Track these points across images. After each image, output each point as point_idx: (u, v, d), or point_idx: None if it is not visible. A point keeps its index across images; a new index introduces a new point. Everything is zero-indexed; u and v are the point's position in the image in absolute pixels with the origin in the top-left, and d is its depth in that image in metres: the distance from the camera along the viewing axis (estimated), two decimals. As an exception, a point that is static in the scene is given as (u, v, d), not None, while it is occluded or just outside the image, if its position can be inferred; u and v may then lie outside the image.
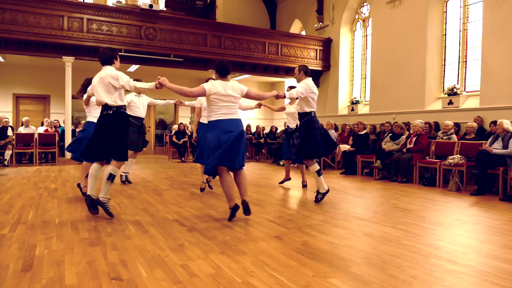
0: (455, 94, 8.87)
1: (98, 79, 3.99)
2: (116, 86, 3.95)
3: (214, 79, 4.18)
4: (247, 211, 4.02)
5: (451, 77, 9.44)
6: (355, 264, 2.73)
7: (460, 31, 9.21)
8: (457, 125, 8.26)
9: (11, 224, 3.79)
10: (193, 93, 3.92)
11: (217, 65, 4.05)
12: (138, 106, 6.52)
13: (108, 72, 3.97)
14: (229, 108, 3.97)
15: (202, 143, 5.74)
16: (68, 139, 10.12)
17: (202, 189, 5.88)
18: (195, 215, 4.31)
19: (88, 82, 5.12)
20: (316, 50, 12.63)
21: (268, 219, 4.13)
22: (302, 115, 5.06)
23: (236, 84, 4.06)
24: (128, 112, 6.95)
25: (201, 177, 5.96)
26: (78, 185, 5.35)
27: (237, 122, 4.03)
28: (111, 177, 4.01)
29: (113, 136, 3.96)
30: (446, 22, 9.53)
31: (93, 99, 5.14)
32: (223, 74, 4.03)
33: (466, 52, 9.10)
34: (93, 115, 5.18)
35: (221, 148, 3.84)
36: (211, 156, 3.89)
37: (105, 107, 3.99)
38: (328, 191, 5.13)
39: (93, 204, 4.02)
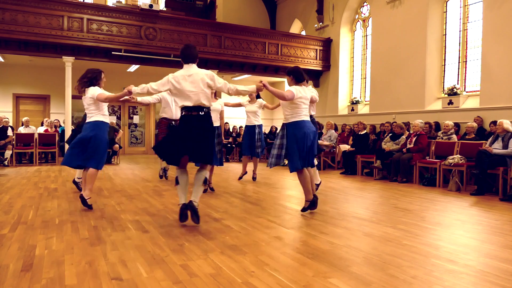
0: (455, 94, 8.87)
1: (189, 77, 3.67)
2: (212, 86, 3.73)
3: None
4: (316, 205, 4.53)
5: (451, 77, 9.44)
6: (355, 264, 2.73)
7: (460, 31, 9.21)
8: (456, 125, 8.26)
9: (11, 224, 3.79)
10: (288, 97, 4.22)
11: (295, 72, 4.42)
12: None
13: (201, 70, 3.73)
14: (306, 110, 4.42)
15: None
16: (68, 139, 10.12)
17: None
18: (195, 215, 4.30)
19: (97, 74, 4.48)
20: (316, 50, 12.63)
21: (268, 219, 4.14)
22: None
23: (308, 89, 4.51)
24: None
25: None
26: (83, 198, 4.45)
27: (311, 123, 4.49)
28: (206, 181, 3.83)
29: (209, 138, 3.72)
30: (446, 22, 9.52)
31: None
32: (301, 80, 4.43)
33: (466, 52, 9.10)
34: (104, 113, 4.51)
35: (305, 150, 4.29)
36: (299, 154, 4.26)
37: (195, 107, 3.67)
38: (320, 182, 5.89)
39: (191, 213, 3.75)
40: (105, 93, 4.43)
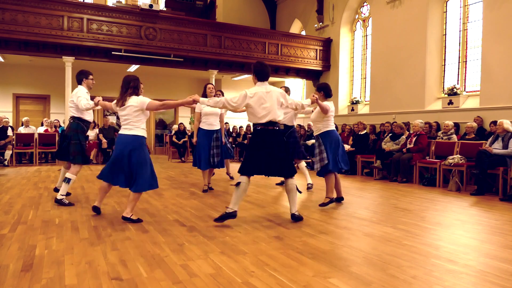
0: (455, 94, 8.87)
1: (267, 94, 3.87)
2: (284, 104, 4.01)
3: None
4: (341, 200, 5.20)
5: (451, 77, 9.44)
6: (355, 264, 2.73)
7: (460, 31, 9.20)
8: (456, 125, 8.26)
9: (11, 224, 3.79)
10: (329, 110, 4.76)
11: (326, 89, 4.96)
12: None
13: (275, 88, 4.01)
14: (333, 121, 5.03)
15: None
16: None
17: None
18: (195, 215, 4.31)
19: (138, 82, 4.01)
20: (316, 50, 12.63)
21: (268, 219, 4.14)
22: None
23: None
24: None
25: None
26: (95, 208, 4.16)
27: None
28: (297, 189, 4.08)
29: (287, 152, 4.05)
30: (446, 22, 9.52)
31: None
32: (330, 95, 4.99)
33: (466, 52, 9.10)
34: (144, 126, 3.99)
35: (339, 154, 4.93)
36: (333, 158, 4.85)
37: (270, 123, 3.87)
38: (312, 184, 6.34)
39: (296, 220, 4.03)
40: (156, 101, 4.03)
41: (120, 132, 4.00)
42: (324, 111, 4.71)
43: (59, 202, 4.73)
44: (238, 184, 3.82)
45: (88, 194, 5.53)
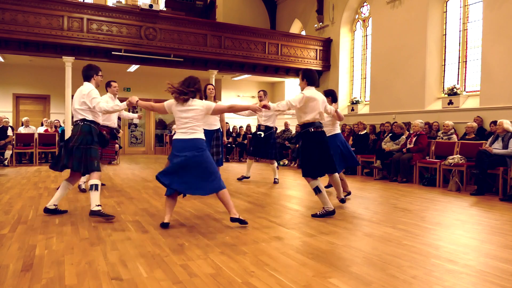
0: (455, 94, 8.87)
1: (318, 98, 4.30)
2: (324, 107, 4.48)
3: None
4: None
5: (451, 77, 9.44)
6: (355, 264, 2.73)
7: (460, 31, 9.20)
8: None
9: (11, 224, 3.79)
10: (343, 118, 5.29)
11: (333, 93, 5.46)
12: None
13: (321, 94, 4.44)
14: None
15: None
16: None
17: None
18: (195, 215, 4.31)
19: (200, 84, 3.79)
20: (316, 50, 12.63)
21: (268, 219, 4.14)
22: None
23: None
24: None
25: None
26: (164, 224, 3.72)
27: None
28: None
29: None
30: (446, 22, 9.52)
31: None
32: (336, 100, 5.51)
33: (466, 52, 9.10)
34: (201, 130, 3.81)
35: (346, 153, 5.51)
36: (343, 158, 5.48)
37: (320, 125, 4.32)
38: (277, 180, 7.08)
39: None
40: (222, 105, 3.98)
41: (177, 137, 3.69)
42: (341, 119, 5.19)
43: (98, 214, 3.94)
44: (316, 189, 4.24)
45: (88, 194, 5.51)
